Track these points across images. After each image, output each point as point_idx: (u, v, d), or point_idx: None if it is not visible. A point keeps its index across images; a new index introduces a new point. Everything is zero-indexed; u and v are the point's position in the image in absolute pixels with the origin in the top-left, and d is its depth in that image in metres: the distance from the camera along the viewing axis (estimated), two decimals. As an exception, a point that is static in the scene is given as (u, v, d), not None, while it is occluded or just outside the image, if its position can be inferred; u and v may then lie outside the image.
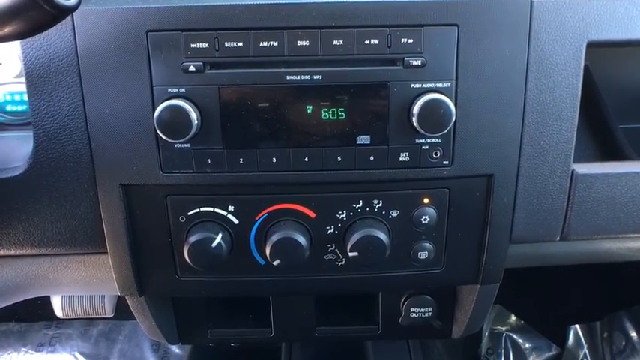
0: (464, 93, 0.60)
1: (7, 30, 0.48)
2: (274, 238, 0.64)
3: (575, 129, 0.64)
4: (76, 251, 0.69)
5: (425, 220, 0.66)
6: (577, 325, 1.38)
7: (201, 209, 0.65)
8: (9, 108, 0.75)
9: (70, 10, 0.47)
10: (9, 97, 0.75)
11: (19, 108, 0.76)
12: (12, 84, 0.75)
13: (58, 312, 1.28)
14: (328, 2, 0.58)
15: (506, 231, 0.67)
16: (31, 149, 0.63)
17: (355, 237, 0.64)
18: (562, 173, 0.65)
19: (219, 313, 0.85)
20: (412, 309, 0.80)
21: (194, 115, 0.58)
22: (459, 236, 0.68)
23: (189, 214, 0.65)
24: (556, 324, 1.38)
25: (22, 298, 0.82)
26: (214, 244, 0.63)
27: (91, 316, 1.28)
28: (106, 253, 0.68)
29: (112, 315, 1.29)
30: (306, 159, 0.62)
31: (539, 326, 1.41)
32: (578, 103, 0.63)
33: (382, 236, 0.64)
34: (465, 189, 0.65)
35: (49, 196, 0.65)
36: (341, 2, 0.58)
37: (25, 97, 0.74)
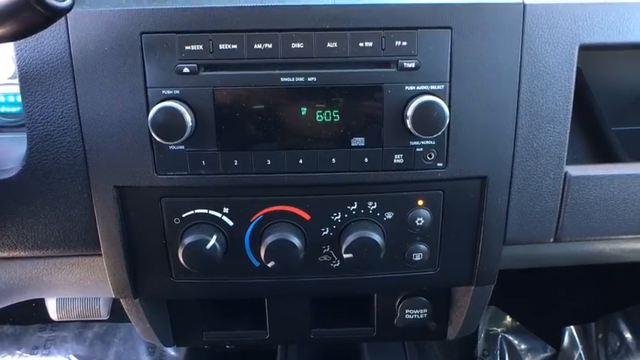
0: (457, 95, 0.60)
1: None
2: (269, 239, 0.64)
3: (568, 131, 0.64)
4: (70, 253, 0.69)
5: (419, 221, 0.66)
6: (572, 327, 1.39)
7: (196, 211, 0.65)
8: (2, 110, 0.75)
9: (63, 12, 0.47)
10: (2, 99, 0.75)
11: (13, 110, 0.75)
12: (5, 85, 0.75)
13: (53, 315, 1.27)
14: (322, 5, 0.58)
15: (500, 232, 0.68)
16: (25, 151, 0.63)
17: (350, 239, 0.64)
18: (555, 175, 0.66)
19: (214, 315, 0.85)
20: (407, 310, 0.81)
21: (188, 117, 0.58)
22: (453, 238, 0.68)
23: (183, 215, 0.65)
24: (551, 325, 1.39)
25: (15, 301, 0.82)
26: (209, 245, 0.63)
27: (85, 319, 1.27)
28: (101, 255, 0.68)
29: (107, 317, 1.28)
30: (301, 161, 0.62)
31: (535, 327, 1.41)
32: (571, 106, 0.64)
33: (377, 238, 0.64)
34: (459, 191, 0.65)
35: (43, 198, 0.65)
36: (335, 5, 0.58)
37: (19, 99, 0.74)
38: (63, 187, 0.64)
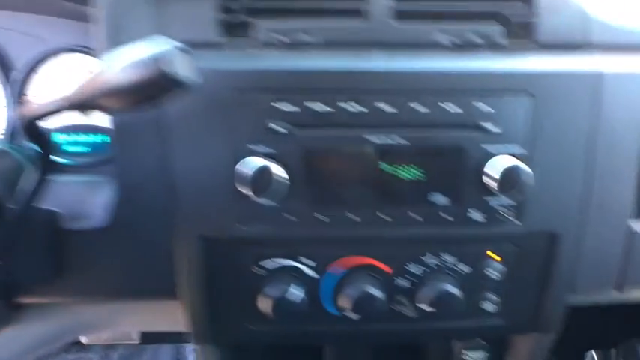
0: (537, 158, 0.63)
1: (124, 103, 0.49)
2: (352, 292, 0.66)
3: (635, 188, 0.68)
4: (147, 299, 0.70)
5: (493, 274, 0.69)
6: (593, 352, 1.42)
7: (280, 262, 0.67)
8: (69, 149, 0.76)
9: (190, 87, 0.49)
10: (69, 138, 0.76)
11: (80, 149, 0.76)
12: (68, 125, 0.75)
13: (84, 339, 1.26)
14: (411, 71, 0.61)
15: (567, 284, 0.71)
16: (112, 199, 0.64)
17: (429, 291, 0.66)
18: (620, 230, 0.69)
19: (272, 357, 0.86)
20: (465, 352, 0.83)
21: (276, 174, 0.60)
22: (522, 289, 0.71)
23: (267, 266, 0.67)
24: (573, 351, 1.42)
25: (80, 337, 0.82)
26: (291, 297, 0.65)
27: (116, 342, 1.27)
28: (175, 299, 0.69)
29: (138, 341, 1.28)
30: (385, 217, 0.64)
31: (557, 353, 1.44)
32: (638, 164, 0.67)
33: (455, 291, 0.66)
34: (531, 246, 0.68)
35: (127, 246, 0.66)
36: (423, 71, 0.61)
37: (87, 138, 0.75)
38: (147, 236, 0.65)
